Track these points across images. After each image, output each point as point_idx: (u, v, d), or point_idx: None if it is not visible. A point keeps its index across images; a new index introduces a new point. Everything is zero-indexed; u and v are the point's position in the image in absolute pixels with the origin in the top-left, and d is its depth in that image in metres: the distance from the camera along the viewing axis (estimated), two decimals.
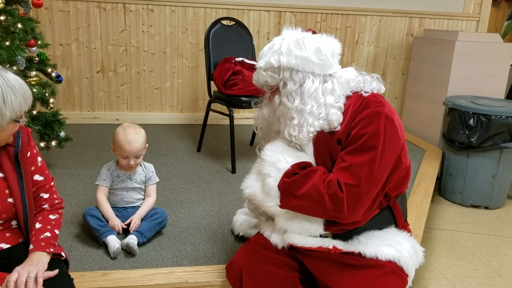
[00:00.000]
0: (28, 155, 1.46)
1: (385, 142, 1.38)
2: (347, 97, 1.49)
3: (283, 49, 1.48)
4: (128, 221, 2.02)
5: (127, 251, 1.89)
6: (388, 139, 1.39)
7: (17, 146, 1.41)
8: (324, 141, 1.47)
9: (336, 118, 1.44)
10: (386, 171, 1.42)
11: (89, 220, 1.97)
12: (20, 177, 1.40)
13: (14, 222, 1.44)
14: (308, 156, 1.51)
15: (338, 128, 1.45)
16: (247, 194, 1.57)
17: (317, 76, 1.48)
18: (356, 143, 1.39)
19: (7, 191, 1.38)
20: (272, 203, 1.48)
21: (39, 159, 1.50)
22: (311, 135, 1.47)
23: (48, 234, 1.41)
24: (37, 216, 1.47)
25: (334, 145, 1.46)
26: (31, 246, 1.37)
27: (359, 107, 1.43)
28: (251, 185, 1.57)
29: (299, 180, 1.44)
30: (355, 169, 1.37)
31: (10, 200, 1.38)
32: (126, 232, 2.01)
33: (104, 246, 1.91)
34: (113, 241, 1.88)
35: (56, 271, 1.33)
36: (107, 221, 2.00)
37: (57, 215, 1.50)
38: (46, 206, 1.50)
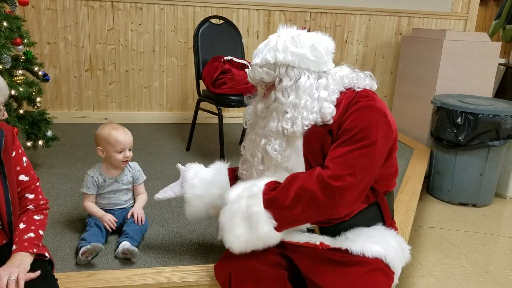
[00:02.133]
0: (14, 154, 1.43)
1: (378, 133, 1.41)
2: (341, 93, 1.52)
3: (279, 46, 1.50)
4: (129, 215, 2.00)
5: (126, 258, 1.84)
6: (381, 131, 1.42)
7: (0, 145, 1.38)
8: (316, 134, 1.49)
9: (329, 111, 1.47)
10: (380, 161, 1.44)
11: (89, 229, 1.95)
12: (3, 177, 1.38)
13: None
14: (297, 150, 1.51)
15: (331, 121, 1.47)
16: (238, 249, 1.47)
17: (312, 72, 1.51)
18: (348, 135, 1.41)
19: None
20: (266, 228, 1.43)
21: (25, 159, 1.48)
22: (305, 128, 1.48)
23: (32, 234, 1.40)
24: (22, 216, 1.46)
25: (324, 136, 1.48)
26: (14, 247, 1.36)
27: (352, 100, 1.47)
28: (234, 236, 1.46)
29: (282, 190, 1.44)
30: (349, 159, 1.39)
31: None
32: (118, 232, 2.00)
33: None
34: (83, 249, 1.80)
35: (38, 273, 1.31)
36: (100, 221, 1.98)
37: (41, 216, 1.48)
38: (31, 206, 1.48)
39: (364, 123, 1.41)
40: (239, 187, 1.54)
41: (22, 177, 1.46)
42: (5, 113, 1.35)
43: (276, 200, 1.43)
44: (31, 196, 1.49)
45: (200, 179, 1.78)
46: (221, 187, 1.76)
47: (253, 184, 1.51)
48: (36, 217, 1.46)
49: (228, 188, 1.73)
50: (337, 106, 1.49)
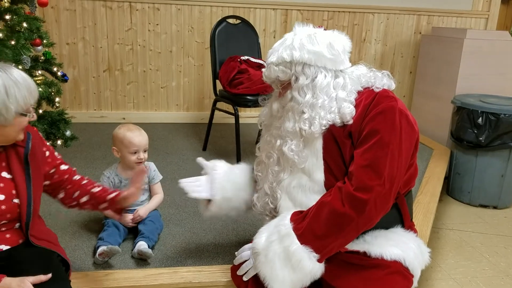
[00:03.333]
0: (48, 154, 1.51)
1: (401, 136, 1.38)
2: (358, 92, 1.49)
3: (295, 44, 1.48)
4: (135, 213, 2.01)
5: (141, 258, 1.85)
6: (404, 134, 1.39)
7: (27, 148, 1.42)
8: (334, 135, 1.46)
9: (349, 111, 1.43)
10: (405, 165, 1.42)
11: (107, 229, 1.96)
12: (28, 178, 1.41)
13: (17, 224, 1.44)
14: (316, 152, 1.48)
15: (351, 121, 1.44)
16: None
17: (329, 71, 1.49)
18: (372, 139, 1.38)
19: (14, 192, 1.39)
20: (310, 265, 1.38)
21: (56, 153, 1.57)
22: (323, 128, 1.45)
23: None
24: (90, 185, 1.61)
25: (343, 139, 1.45)
26: (112, 195, 1.57)
27: (372, 101, 1.43)
28: (280, 282, 1.40)
29: (313, 220, 1.39)
30: (377, 167, 1.35)
31: (15, 201, 1.39)
32: (134, 232, 2.01)
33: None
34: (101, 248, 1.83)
35: (49, 276, 1.32)
36: (119, 222, 1.98)
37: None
38: (85, 181, 1.62)
39: (388, 127, 1.37)
40: (263, 233, 1.48)
41: (63, 167, 1.58)
42: (34, 114, 1.38)
43: (310, 231, 1.39)
44: (77, 177, 1.61)
45: (231, 182, 1.75)
46: (250, 193, 1.75)
47: (277, 224, 1.46)
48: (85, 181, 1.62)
49: (254, 193, 1.73)
50: (356, 107, 1.45)
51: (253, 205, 1.69)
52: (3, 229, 1.40)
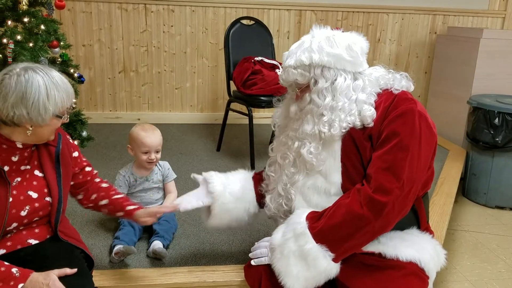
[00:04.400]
0: (76, 154, 1.57)
1: (421, 139, 1.37)
2: (377, 94, 1.48)
3: (314, 46, 1.46)
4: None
5: (156, 258, 1.87)
6: (424, 137, 1.38)
7: (59, 147, 1.46)
8: (354, 138, 1.45)
9: (369, 114, 1.42)
10: (425, 168, 1.41)
11: (123, 228, 1.99)
12: (59, 177, 1.45)
13: (46, 220, 1.47)
14: (334, 154, 1.47)
15: (371, 124, 1.42)
16: None
17: (348, 73, 1.47)
18: (392, 142, 1.37)
19: (46, 190, 1.42)
20: (325, 263, 1.38)
21: (82, 155, 1.62)
22: (343, 130, 1.44)
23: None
24: (111, 191, 1.66)
25: (363, 141, 1.43)
26: (125, 211, 1.61)
27: (391, 104, 1.42)
28: (294, 278, 1.41)
29: (329, 220, 1.39)
30: (397, 170, 1.34)
31: (48, 199, 1.43)
32: (149, 231, 2.03)
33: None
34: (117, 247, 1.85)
35: (74, 270, 1.35)
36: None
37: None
38: (104, 184, 1.66)
39: (407, 129, 1.36)
40: (280, 230, 1.49)
41: (88, 168, 1.63)
42: (68, 117, 1.41)
43: (326, 231, 1.38)
44: (98, 180, 1.66)
45: (229, 192, 1.73)
46: (249, 201, 1.75)
47: (293, 222, 1.46)
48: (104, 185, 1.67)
49: (255, 201, 1.74)
50: (375, 109, 1.44)
51: (266, 207, 1.67)
52: (34, 225, 1.44)
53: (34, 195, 1.40)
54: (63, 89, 1.33)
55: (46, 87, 1.29)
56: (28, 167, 1.41)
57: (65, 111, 1.37)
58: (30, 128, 1.32)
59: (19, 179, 1.38)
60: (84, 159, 1.63)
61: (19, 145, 1.37)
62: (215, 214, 1.72)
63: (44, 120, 1.31)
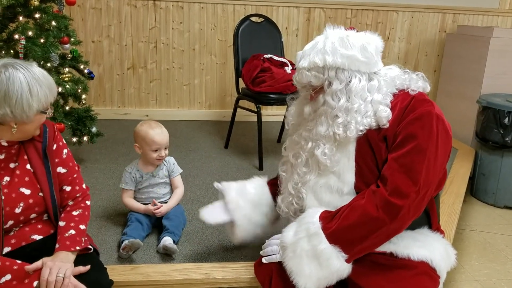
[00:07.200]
0: (54, 147, 1.48)
1: (438, 143, 1.36)
2: (393, 95, 1.46)
3: (327, 48, 1.43)
4: (158, 207, 2.04)
5: (167, 254, 1.88)
6: (441, 139, 1.37)
7: (45, 142, 1.44)
8: (369, 138, 1.43)
9: (385, 115, 1.40)
10: (441, 171, 1.40)
11: (131, 224, 2.01)
12: (48, 172, 1.44)
13: (45, 216, 1.47)
14: (349, 154, 1.46)
15: (387, 125, 1.41)
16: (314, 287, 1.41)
17: (363, 74, 1.45)
18: (409, 145, 1.35)
19: (38, 186, 1.41)
20: (338, 263, 1.37)
21: (65, 151, 1.52)
22: (360, 133, 1.43)
23: (72, 231, 1.42)
24: (62, 213, 1.49)
25: (378, 142, 1.42)
26: (56, 245, 1.39)
27: (408, 105, 1.40)
28: (307, 277, 1.40)
29: (343, 222, 1.38)
30: (414, 173, 1.33)
31: (41, 194, 1.42)
32: (158, 227, 2.03)
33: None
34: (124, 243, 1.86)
35: (88, 267, 1.36)
36: (147, 213, 2.04)
37: (80, 210, 1.50)
38: (70, 202, 1.51)
39: (425, 133, 1.35)
40: (291, 228, 1.49)
41: (60, 169, 1.49)
42: (52, 111, 1.40)
43: (339, 232, 1.38)
44: (68, 189, 1.51)
45: (244, 199, 1.75)
46: (267, 205, 1.75)
47: (306, 221, 1.45)
48: (74, 213, 1.49)
49: (272, 205, 1.73)
50: (391, 109, 1.42)
51: (278, 207, 1.67)
52: (33, 221, 1.44)
53: (27, 191, 1.39)
54: (46, 84, 1.31)
55: (28, 84, 1.27)
56: (18, 163, 1.39)
57: (49, 106, 1.36)
58: (15, 126, 1.30)
59: (8, 178, 1.37)
60: (63, 155, 1.51)
61: (4, 143, 1.35)
62: (237, 223, 1.73)
63: (28, 117, 1.29)
